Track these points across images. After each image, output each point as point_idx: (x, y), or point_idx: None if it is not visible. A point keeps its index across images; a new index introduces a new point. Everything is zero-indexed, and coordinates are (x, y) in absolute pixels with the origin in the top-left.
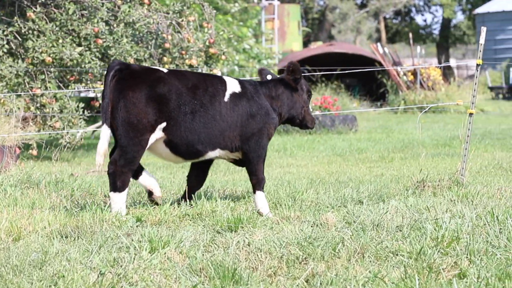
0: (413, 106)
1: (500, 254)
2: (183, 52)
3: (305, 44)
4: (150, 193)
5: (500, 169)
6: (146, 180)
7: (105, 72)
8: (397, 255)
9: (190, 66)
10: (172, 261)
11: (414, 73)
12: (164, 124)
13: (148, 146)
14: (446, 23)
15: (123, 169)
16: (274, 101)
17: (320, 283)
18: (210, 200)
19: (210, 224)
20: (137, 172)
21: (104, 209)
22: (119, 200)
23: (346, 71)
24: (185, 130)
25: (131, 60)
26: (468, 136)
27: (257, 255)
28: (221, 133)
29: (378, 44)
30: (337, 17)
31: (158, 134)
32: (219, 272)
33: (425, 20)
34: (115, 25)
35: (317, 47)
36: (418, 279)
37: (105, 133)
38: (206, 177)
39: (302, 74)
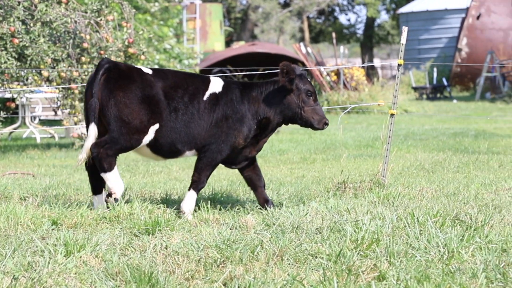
0: (336, 107)
1: (420, 256)
2: (102, 52)
3: (228, 43)
4: (109, 194)
5: (422, 170)
6: (99, 201)
7: (95, 70)
8: (316, 257)
9: None
10: (87, 265)
11: (338, 73)
12: (157, 126)
13: (140, 146)
14: (370, 23)
15: (108, 151)
16: (261, 105)
17: (238, 287)
18: (128, 202)
19: (128, 227)
20: (98, 189)
21: (19, 212)
22: (112, 177)
23: (269, 71)
24: (168, 131)
25: (48, 61)
26: (389, 137)
27: (175, 258)
28: (199, 133)
29: (301, 44)
30: (260, 16)
31: (151, 135)
32: (135, 276)
33: (349, 20)
34: (32, 25)
35: (239, 47)
36: (337, 281)
37: (93, 131)
38: (259, 169)
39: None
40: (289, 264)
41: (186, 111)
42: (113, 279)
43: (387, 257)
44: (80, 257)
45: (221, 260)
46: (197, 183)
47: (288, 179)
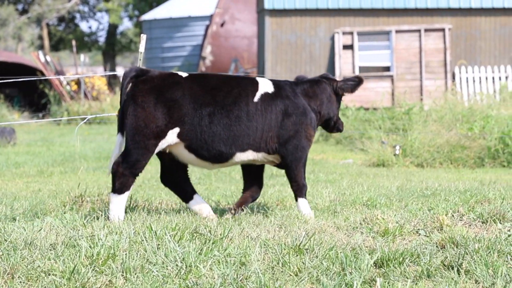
0: (76, 117)
1: (157, 271)
2: None
3: None
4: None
5: None
6: (197, 205)
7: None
8: (49, 275)
9: None
10: None
11: (78, 82)
12: (177, 130)
13: (157, 151)
14: (112, 30)
15: (124, 171)
16: (312, 100)
17: None
18: None
19: None
20: (188, 196)
21: None
22: (117, 202)
23: (5, 81)
24: (203, 133)
25: None
26: None
27: None
28: (250, 134)
29: (40, 52)
30: None
31: (170, 139)
32: None
33: (90, 27)
34: None
35: None
36: None
37: (118, 141)
38: (262, 185)
39: None
40: (20, 282)
41: (229, 114)
42: None
43: (123, 272)
44: None
45: None
46: (299, 190)
47: (23, 194)
